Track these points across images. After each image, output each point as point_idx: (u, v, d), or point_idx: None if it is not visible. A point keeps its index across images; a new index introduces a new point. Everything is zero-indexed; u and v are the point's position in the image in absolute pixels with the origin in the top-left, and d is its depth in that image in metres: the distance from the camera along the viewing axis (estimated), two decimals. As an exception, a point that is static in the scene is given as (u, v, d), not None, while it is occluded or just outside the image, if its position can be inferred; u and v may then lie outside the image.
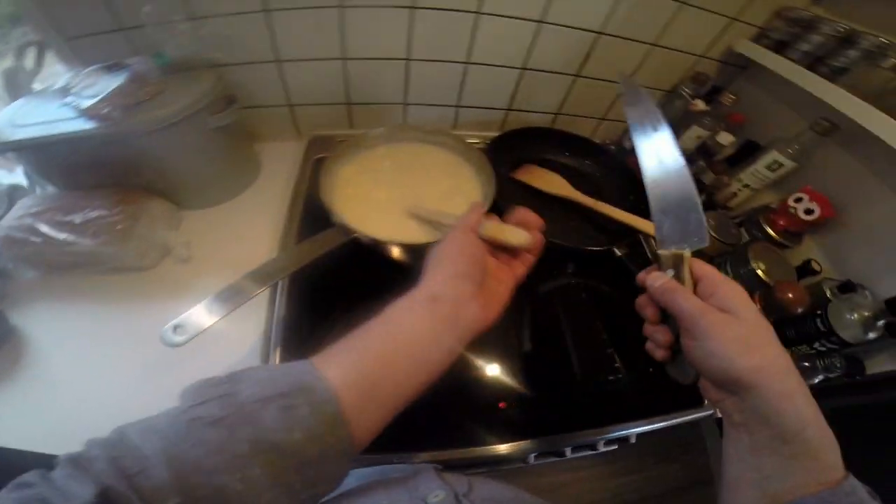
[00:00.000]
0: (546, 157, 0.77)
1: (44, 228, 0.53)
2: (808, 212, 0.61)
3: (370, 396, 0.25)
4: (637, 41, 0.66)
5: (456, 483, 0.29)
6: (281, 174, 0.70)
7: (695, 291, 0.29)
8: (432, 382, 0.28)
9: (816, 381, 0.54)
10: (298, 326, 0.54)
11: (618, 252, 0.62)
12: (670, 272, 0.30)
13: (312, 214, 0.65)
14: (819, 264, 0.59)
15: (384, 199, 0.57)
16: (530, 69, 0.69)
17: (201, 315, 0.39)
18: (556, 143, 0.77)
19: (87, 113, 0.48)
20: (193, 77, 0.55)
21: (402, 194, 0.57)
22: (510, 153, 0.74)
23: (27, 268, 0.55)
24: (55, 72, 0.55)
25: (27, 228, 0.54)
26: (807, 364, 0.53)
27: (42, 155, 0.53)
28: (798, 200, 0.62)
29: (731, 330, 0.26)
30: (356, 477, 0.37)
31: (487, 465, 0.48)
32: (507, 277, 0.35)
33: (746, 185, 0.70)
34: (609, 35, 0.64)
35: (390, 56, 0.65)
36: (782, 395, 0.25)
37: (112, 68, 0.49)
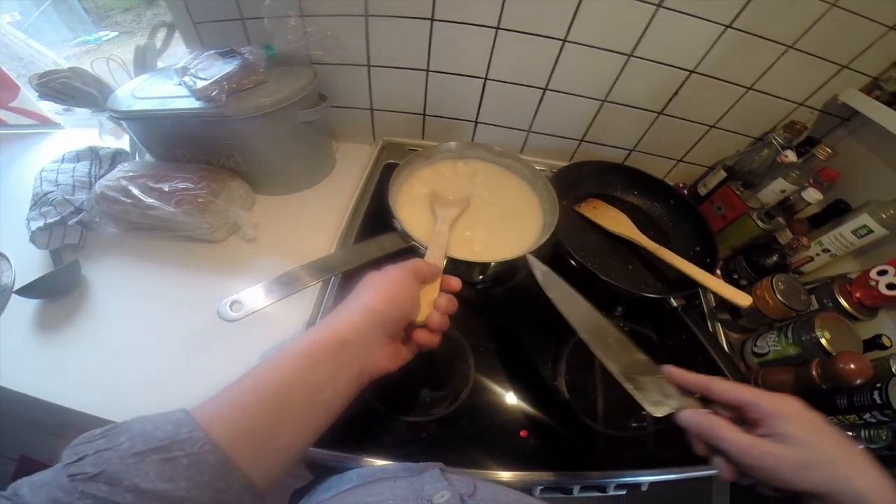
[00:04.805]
0: (613, 194, 0.75)
1: (135, 191, 0.58)
2: (892, 286, 0.55)
3: (262, 443, 0.25)
4: (731, 83, 0.62)
5: (461, 484, 0.29)
6: (351, 174, 0.73)
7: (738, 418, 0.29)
8: (332, 422, 0.28)
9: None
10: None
11: (674, 303, 0.58)
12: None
13: (374, 217, 0.67)
14: (890, 340, 0.56)
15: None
16: (611, 102, 0.67)
17: (259, 296, 0.41)
18: (626, 180, 0.75)
19: (197, 93, 0.52)
20: (293, 72, 0.59)
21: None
22: (577, 185, 0.72)
23: (111, 224, 0.59)
24: (176, 53, 0.62)
25: (121, 189, 0.58)
26: (851, 434, 0.52)
27: (150, 126, 0.59)
28: (882, 273, 0.56)
29: (785, 458, 0.26)
30: (360, 472, 0.37)
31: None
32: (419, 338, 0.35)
33: (826, 251, 0.65)
34: (702, 74, 0.61)
35: (469, 73, 0.66)
36: (854, 497, 0.25)
37: (226, 55, 0.53)
